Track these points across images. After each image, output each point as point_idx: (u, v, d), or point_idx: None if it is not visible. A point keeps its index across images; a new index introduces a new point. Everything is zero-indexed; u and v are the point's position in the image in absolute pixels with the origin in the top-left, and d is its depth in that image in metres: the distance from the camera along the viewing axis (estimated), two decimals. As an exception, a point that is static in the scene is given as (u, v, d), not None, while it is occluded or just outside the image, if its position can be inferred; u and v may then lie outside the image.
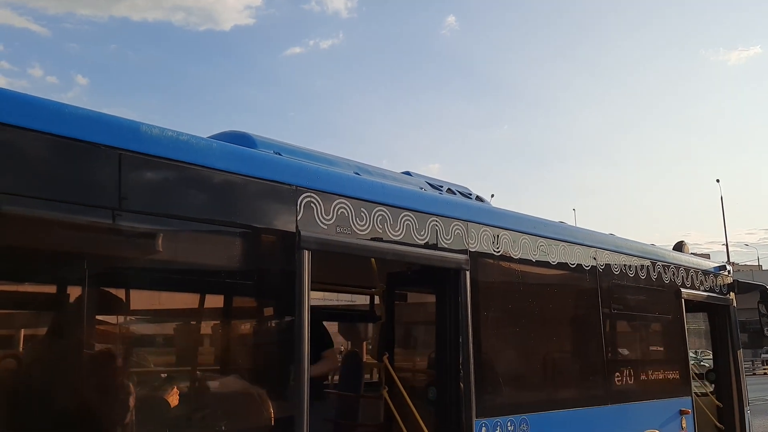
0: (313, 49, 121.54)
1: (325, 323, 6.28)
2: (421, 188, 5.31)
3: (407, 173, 5.65)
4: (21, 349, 3.00)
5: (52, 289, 3.07)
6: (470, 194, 5.89)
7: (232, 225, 3.65)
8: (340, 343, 10.63)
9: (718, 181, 51.01)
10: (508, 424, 4.96)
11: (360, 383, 6.59)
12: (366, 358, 6.98)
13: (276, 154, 4.25)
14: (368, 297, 7.63)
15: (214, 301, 3.84)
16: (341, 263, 4.94)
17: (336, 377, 6.84)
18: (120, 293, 3.34)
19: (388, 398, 5.24)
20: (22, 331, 3.02)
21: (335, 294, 7.66)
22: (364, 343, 9.00)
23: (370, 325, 9.10)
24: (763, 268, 62.50)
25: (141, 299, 3.46)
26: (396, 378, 5.21)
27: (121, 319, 3.38)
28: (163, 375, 3.44)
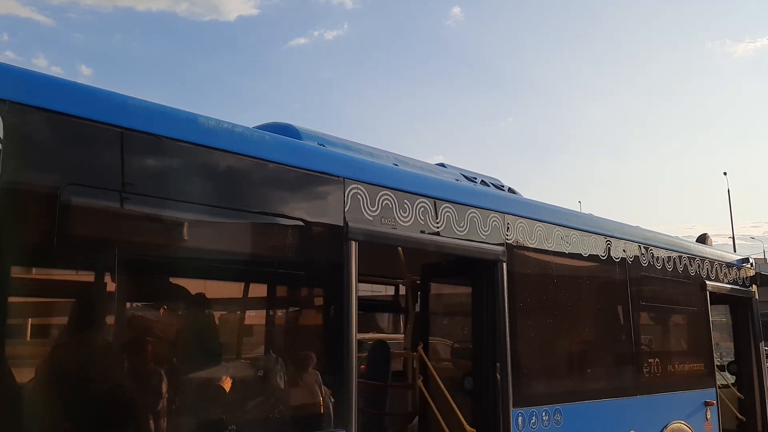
0: (317, 40, 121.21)
1: None
2: (457, 180, 5.34)
3: (441, 165, 5.68)
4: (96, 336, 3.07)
5: (112, 277, 3.09)
6: (502, 186, 5.92)
7: (282, 216, 3.69)
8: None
9: (725, 174, 50.80)
10: (543, 414, 5.01)
11: (388, 373, 6.63)
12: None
13: (320, 145, 4.29)
14: (393, 288, 7.68)
15: (264, 290, 3.90)
16: (371, 253, 4.98)
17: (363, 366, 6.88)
18: (175, 282, 3.39)
19: (423, 388, 5.30)
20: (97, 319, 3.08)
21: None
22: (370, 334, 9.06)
23: (389, 315, 9.19)
24: (768, 261, 62.54)
25: (192, 289, 3.50)
26: (431, 368, 5.27)
27: (176, 307, 3.43)
28: (221, 362, 3.49)
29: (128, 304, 3.19)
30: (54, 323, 3.01)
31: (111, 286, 3.03)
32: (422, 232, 4.41)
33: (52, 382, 2.81)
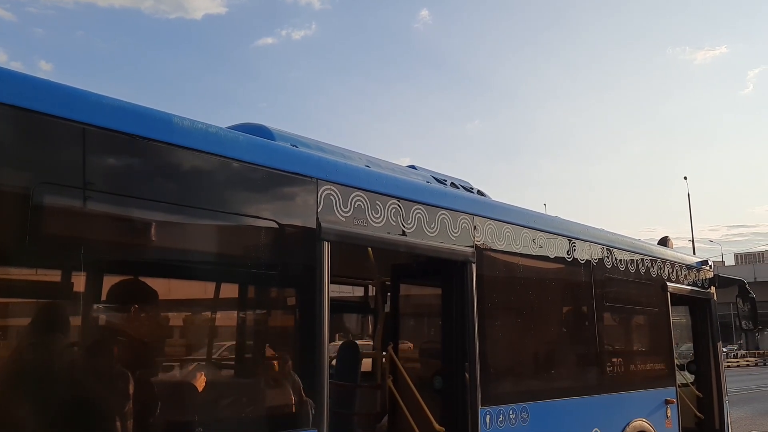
0: (285, 39, 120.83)
1: None
2: (427, 182, 5.41)
3: (412, 167, 5.75)
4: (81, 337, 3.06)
5: (90, 277, 3.08)
6: (471, 188, 6.01)
7: (255, 216, 3.71)
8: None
9: (685, 178, 52.03)
10: (510, 412, 5.10)
11: (357, 373, 6.67)
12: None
13: (293, 146, 4.31)
14: (362, 288, 7.72)
15: (237, 291, 3.90)
16: (341, 254, 5.01)
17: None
18: (148, 282, 3.38)
19: (392, 387, 5.35)
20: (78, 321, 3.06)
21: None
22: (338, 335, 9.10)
23: (357, 316, 9.22)
24: (726, 264, 64.31)
25: (164, 289, 3.49)
26: (401, 367, 5.32)
27: (148, 307, 3.41)
28: (192, 362, 3.49)
29: (100, 305, 3.16)
30: (27, 324, 2.97)
31: (82, 286, 3.02)
32: (394, 233, 4.46)
33: (28, 383, 2.79)
